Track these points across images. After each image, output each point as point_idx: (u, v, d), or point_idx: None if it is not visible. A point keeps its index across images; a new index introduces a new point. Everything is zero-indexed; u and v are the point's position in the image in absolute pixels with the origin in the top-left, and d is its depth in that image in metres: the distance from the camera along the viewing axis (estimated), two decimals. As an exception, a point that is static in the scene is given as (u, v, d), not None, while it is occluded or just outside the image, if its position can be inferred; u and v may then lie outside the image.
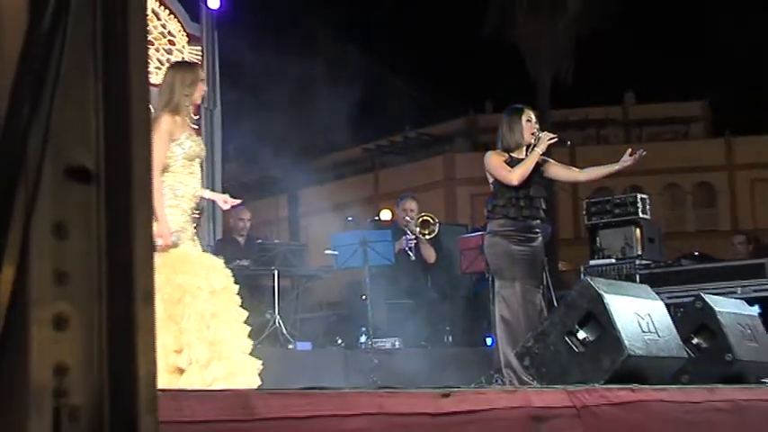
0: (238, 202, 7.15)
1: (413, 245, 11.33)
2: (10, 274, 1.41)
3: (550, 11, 29.13)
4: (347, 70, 29.04)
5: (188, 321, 6.11)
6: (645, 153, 8.19)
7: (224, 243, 12.00)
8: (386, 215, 15.00)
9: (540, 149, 7.78)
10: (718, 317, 7.38)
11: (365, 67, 27.45)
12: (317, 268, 14.18)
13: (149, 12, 12.39)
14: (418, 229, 11.38)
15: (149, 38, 12.37)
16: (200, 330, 6.17)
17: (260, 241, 12.74)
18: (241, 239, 11.90)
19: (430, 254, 11.62)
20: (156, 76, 12.34)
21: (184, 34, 12.89)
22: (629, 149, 8.26)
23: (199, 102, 6.84)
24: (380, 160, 43.47)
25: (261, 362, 6.38)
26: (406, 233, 11.35)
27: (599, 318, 6.10)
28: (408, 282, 11.30)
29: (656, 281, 10.75)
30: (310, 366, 9.60)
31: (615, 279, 10.40)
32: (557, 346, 6.21)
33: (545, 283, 9.59)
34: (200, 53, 13.10)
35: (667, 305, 7.21)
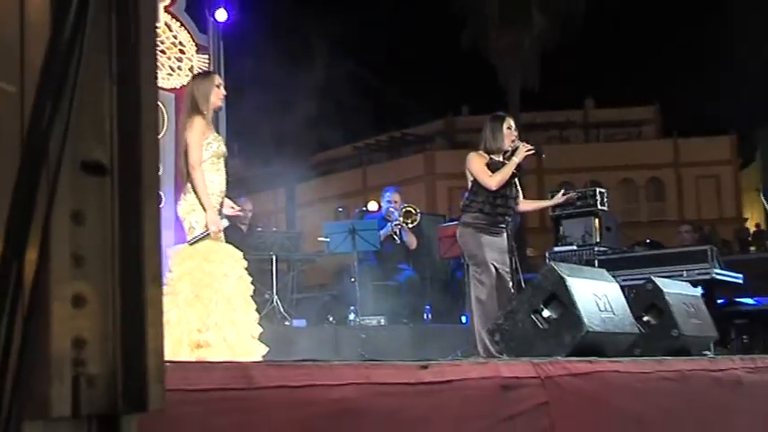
0: (240, 212, 7.16)
1: (399, 230, 11.32)
2: (33, 256, 1.41)
3: (519, 27, 29.26)
4: (340, 77, 28.97)
5: (216, 305, 6.14)
6: (576, 196, 8.45)
7: (229, 231, 11.96)
8: (373, 206, 14.97)
9: (517, 159, 7.84)
10: (666, 297, 7.41)
11: (356, 74, 27.38)
12: (311, 253, 14.17)
13: (162, 24, 12.35)
14: (401, 219, 11.38)
15: (162, 47, 12.34)
16: (228, 312, 6.20)
17: (260, 229, 12.73)
18: (243, 228, 11.87)
19: (412, 240, 11.62)
20: (168, 82, 12.34)
21: (193, 44, 12.85)
22: (563, 192, 8.76)
23: (219, 104, 6.81)
24: (368, 157, 43.46)
25: (267, 348, 6.41)
26: (390, 222, 11.33)
27: (561, 298, 6.11)
28: (392, 265, 11.29)
29: (612, 265, 10.76)
30: (304, 341, 9.58)
31: (576, 264, 10.40)
32: (524, 323, 6.22)
33: (514, 267, 9.64)
34: (207, 61, 13.06)
35: (622, 287, 7.21)
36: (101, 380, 1.47)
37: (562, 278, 6.14)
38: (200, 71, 7.04)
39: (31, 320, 1.41)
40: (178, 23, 12.66)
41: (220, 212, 6.67)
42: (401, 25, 40.96)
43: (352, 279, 10.54)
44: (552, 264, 6.59)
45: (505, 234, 7.96)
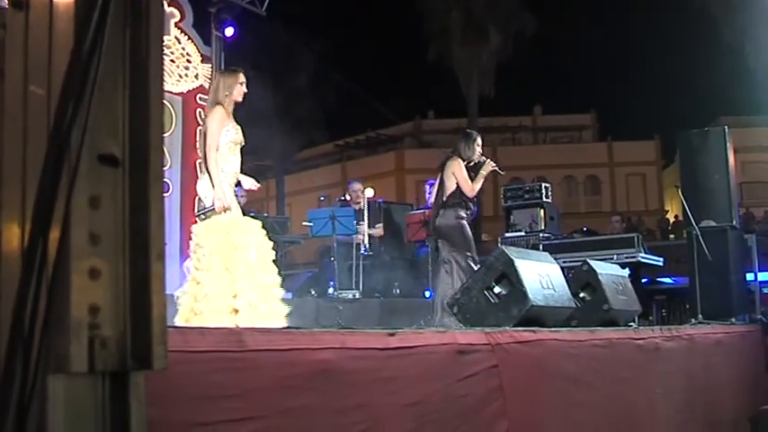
0: (258, 186, 7.10)
1: (367, 245, 11.23)
2: (56, 235, 1.41)
3: (478, 43, 29.31)
4: (324, 85, 28.94)
5: (241, 271, 6.09)
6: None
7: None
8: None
9: (485, 173, 8.64)
10: (599, 277, 7.45)
11: (337, 81, 27.34)
12: (297, 236, 14.12)
13: (173, 37, 12.29)
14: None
15: (172, 57, 12.28)
16: (252, 278, 6.15)
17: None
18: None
19: (378, 232, 11.67)
20: (177, 87, 12.28)
21: (199, 55, 12.81)
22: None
23: (239, 100, 6.73)
24: (347, 154, 43.39)
25: (289, 308, 6.37)
26: (359, 219, 11.22)
27: (510, 277, 6.12)
28: (366, 247, 11.29)
29: (554, 249, 10.83)
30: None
31: (524, 248, 10.44)
32: (478, 298, 6.23)
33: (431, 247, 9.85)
34: (210, 70, 13.01)
35: (562, 268, 7.25)
36: (112, 341, 1.48)
37: (511, 260, 6.16)
38: (229, 68, 6.95)
39: (54, 290, 1.41)
40: (186, 37, 12.62)
41: (235, 192, 6.67)
42: (377, 41, 40.89)
43: (332, 258, 10.53)
44: (503, 247, 6.61)
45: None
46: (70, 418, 1.43)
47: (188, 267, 6.45)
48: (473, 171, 8.68)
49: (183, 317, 6.01)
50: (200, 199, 6.61)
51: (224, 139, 6.48)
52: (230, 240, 6.16)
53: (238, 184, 6.77)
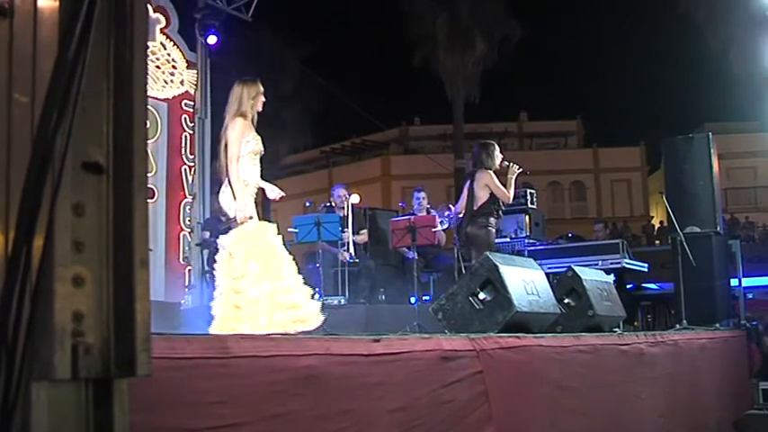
0: (282, 194, 7.05)
1: (344, 250, 11.21)
2: (40, 242, 1.41)
3: (463, 50, 29.37)
4: (310, 91, 28.93)
5: (286, 269, 6.13)
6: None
7: (211, 221, 11.86)
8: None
9: (512, 177, 8.93)
10: (584, 283, 7.48)
11: (323, 87, 27.34)
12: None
13: (158, 43, 12.29)
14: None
15: (157, 63, 12.27)
16: (296, 275, 6.20)
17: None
18: (223, 218, 11.71)
19: (363, 238, 11.66)
20: (162, 92, 12.27)
21: (184, 61, 12.81)
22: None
23: (260, 110, 6.72)
24: (333, 160, 43.40)
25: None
26: (344, 226, 11.20)
27: (495, 283, 6.14)
28: (351, 255, 11.27)
29: (539, 255, 10.85)
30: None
31: (509, 254, 10.46)
32: (463, 303, 6.23)
33: (456, 255, 9.86)
34: (195, 76, 13.01)
35: (547, 274, 7.27)
36: (96, 348, 1.48)
37: (496, 266, 6.18)
38: (248, 77, 6.87)
39: (37, 297, 1.41)
40: (171, 43, 12.62)
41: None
42: (363, 47, 40.93)
43: (317, 264, 10.51)
44: (488, 253, 6.62)
45: None
46: (54, 424, 1.44)
47: (207, 279, 6.48)
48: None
49: (219, 328, 5.99)
50: (219, 209, 6.61)
51: (244, 149, 6.47)
52: (263, 244, 6.19)
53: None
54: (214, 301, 6.20)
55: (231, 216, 6.45)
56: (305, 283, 6.36)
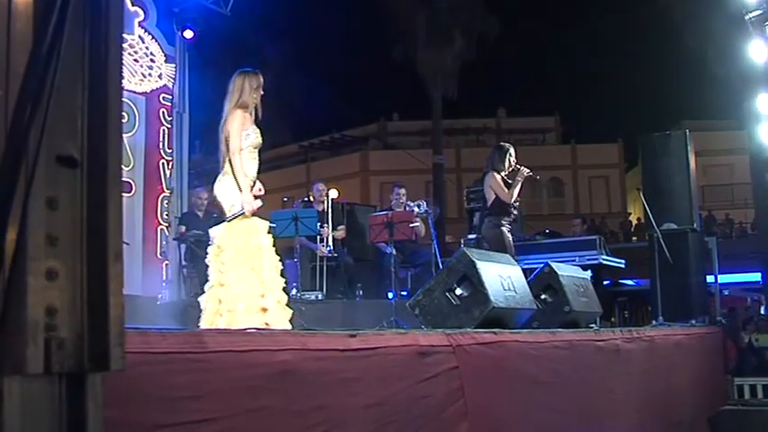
0: (263, 192, 6.98)
1: (321, 246, 11.18)
2: (13, 236, 1.41)
3: (441, 46, 29.40)
4: (289, 85, 28.89)
5: (267, 272, 6.09)
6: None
7: (188, 216, 11.80)
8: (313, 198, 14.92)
9: (520, 179, 9.07)
10: (561, 279, 7.52)
11: (302, 82, 27.31)
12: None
13: (136, 36, 12.20)
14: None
15: (135, 56, 12.19)
16: (276, 278, 6.16)
17: (215, 215, 12.58)
18: (200, 213, 11.64)
19: (340, 234, 11.65)
20: (140, 86, 12.20)
21: (163, 54, 12.72)
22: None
23: (257, 103, 6.64)
24: (312, 155, 43.30)
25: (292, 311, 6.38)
26: (323, 221, 11.18)
27: (472, 279, 6.15)
28: (328, 253, 11.26)
29: (516, 251, 10.86)
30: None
31: (486, 250, 10.48)
32: (440, 299, 6.25)
33: (434, 250, 9.89)
34: (174, 69, 12.94)
35: (524, 270, 7.29)
36: (69, 343, 1.48)
37: (473, 262, 6.19)
38: (248, 69, 6.73)
39: (10, 291, 1.41)
40: (150, 36, 12.54)
41: (170, 195, 6.65)
42: (342, 42, 40.85)
43: (295, 259, 10.49)
44: (465, 249, 6.63)
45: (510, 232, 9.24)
46: (26, 419, 1.43)
47: (185, 274, 6.45)
48: (510, 179, 9.23)
49: (208, 321, 6.00)
50: (219, 201, 6.53)
51: (244, 143, 6.39)
52: (253, 242, 6.17)
53: None
54: (204, 294, 6.21)
55: (228, 208, 6.38)
56: (284, 289, 6.36)
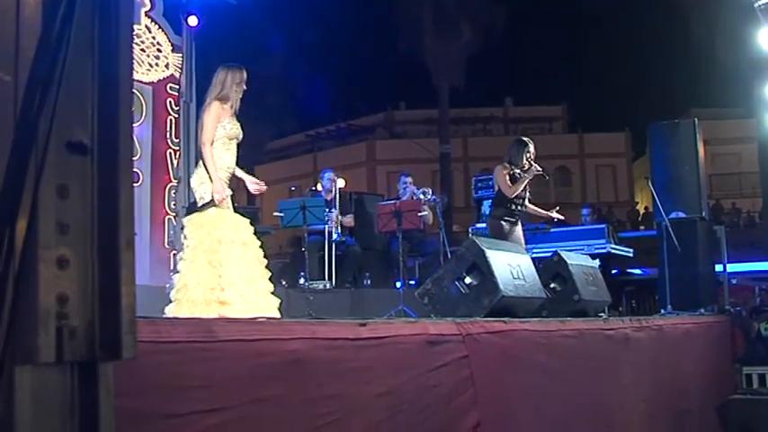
0: (264, 188, 7.03)
1: (331, 231, 11.17)
2: (23, 224, 1.40)
3: (449, 35, 29.31)
4: (296, 75, 28.87)
5: (226, 267, 6.11)
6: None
7: (195, 205, 11.78)
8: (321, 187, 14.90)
9: (529, 176, 9.00)
10: (569, 268, 7.50)
11: (308, 71, 27.28)
12: (268, 226, 14.06)
13: (143, 26, 12.17)
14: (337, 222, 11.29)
15: (142, 46, 12.16)
16: (239, 273, 6.17)
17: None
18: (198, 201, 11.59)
19: (350, 221, 11.62)
20: (147, 76, 12.18)
21: (169, 44, 12.70)
22: (557, 209, 9.88)
23: (239, 97, 6.72)
24: (318, 144, 43.26)
25: (280, 300, 6.40)
26: (331, 207, 11.19)
27: (481, 267, 6.15)
28: (337, 237, 11.26)
29: (525, 240, 10.85)
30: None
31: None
32: (449, 288, 6.24)
33: (442, 239, 9.86)
34: (181, 59, 12.92)
35: (533, 259, 7.29)
36: (81, 331, 1.46)
37: (482, 250, 6.18)
38: (232, 64, 6.84)
39: (21, 280, 1.40)
40: (156, 26, 12.51)
41: (178, 185, 6.71)
42: (350, 31, 40.75)
43: (303, 249, 10.49)
44: (474, 238, 6.63)
45: (518, 225, 9.15)
46: (38, 409, 1.42)
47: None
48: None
49: (173, 310, 6.06)
50: (194, 192, 6.63)
51: (219, 134, 6.47)
52: (216, 235, 6.20)
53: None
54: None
55: (199, 199, 6.47)
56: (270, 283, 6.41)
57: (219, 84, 6.61)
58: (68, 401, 1.46)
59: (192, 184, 6.61)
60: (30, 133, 1.40)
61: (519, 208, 9.14)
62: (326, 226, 10.92)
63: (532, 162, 9.15)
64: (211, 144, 6.44)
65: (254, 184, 7.05)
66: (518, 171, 9.03)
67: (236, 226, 6.37)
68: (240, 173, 6.89)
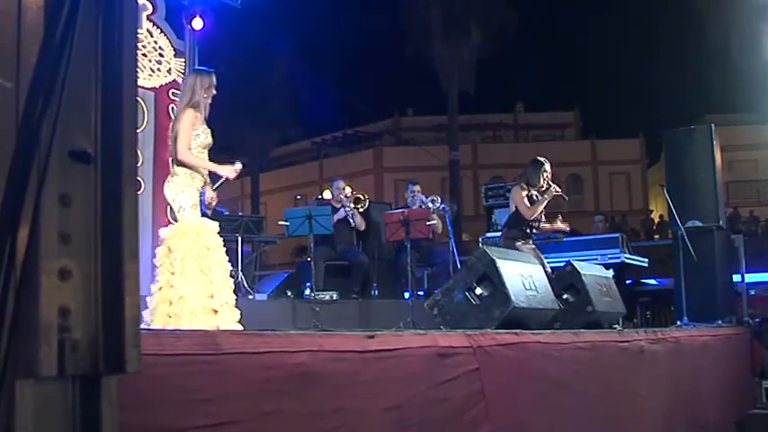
0: (240, 166, 6.99)
1: (351, 214, 11.29)
2: (25, 234, 1.40)
3: (458, 39, 29.29)
4: (301, 81, 28.92)
5: (215, 273, 6.13)
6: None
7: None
8: (328, 195, 14.90)
9: (548, 197, 8.97)
10: (583, 278, 7.48)
11: (314, 77, 27.32)
12: (273, 236, 14.08)
13: (144, 30, 12.19)
14: (352, 204, 11.35)
15: (144, 51, 12.20)
16: (225, 279, 6.21)
17: (226, 213, 12.59)
18: (209, 212, 11.65)
19: (361, 222, 11.59)
20: (149, 81, 12.20)
21: (172, 49, 12.72)
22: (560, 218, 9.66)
23: (208, 102, 6.69)
24: (324, 151, 43.33)
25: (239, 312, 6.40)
26: (341, 208, 11.30)
27: (492, 278, 6.13)
28: (344, 247, 11.26)
29: (540, 250, 10.85)
30: (265, 313, 9.53)
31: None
32: (459, 299, 6.23)
33: (451, 249, 9.83)
34: (183, 64, 12.95)
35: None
36: (83, 344, 1.46)
37: (493, 260, 6.17)
38: (201, 68, 6.85)
39: (22, 291, 1.40)
40: (158, 30, 12.54)
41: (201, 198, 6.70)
42: (355, 35, 40.81)
43: (308, 258, 10.49)
44: (484, 248, 6.62)
45: (531, 245, 9.07)
46: (39, 423, 1.42)
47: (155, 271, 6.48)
48: (540, 196, 9.13)
49: (158, 322, 6.05)
50: (169, 202, 6.65)
51: (193, 142, 6.48)
52: (202, 242, 6.20)
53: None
54: (152, 295, 6.24)
55: (177, 209, 6.49)
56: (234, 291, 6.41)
57: (189, 90, 6.61)
58: (70, 416, 1.46)
59: (169, 196, 6.56)
60: (32, 141, 1.40)
61: (534, 231, 9.16)
62: (345, 210, 11.01)
63: (550, 182, 9.11)
64: (188, 150, 6.45)
65: (224, 170, 6.88)
66: (535, 193, 8.97)
67: (214, 232, 6.40)
68: (213, 166, 6.80)
